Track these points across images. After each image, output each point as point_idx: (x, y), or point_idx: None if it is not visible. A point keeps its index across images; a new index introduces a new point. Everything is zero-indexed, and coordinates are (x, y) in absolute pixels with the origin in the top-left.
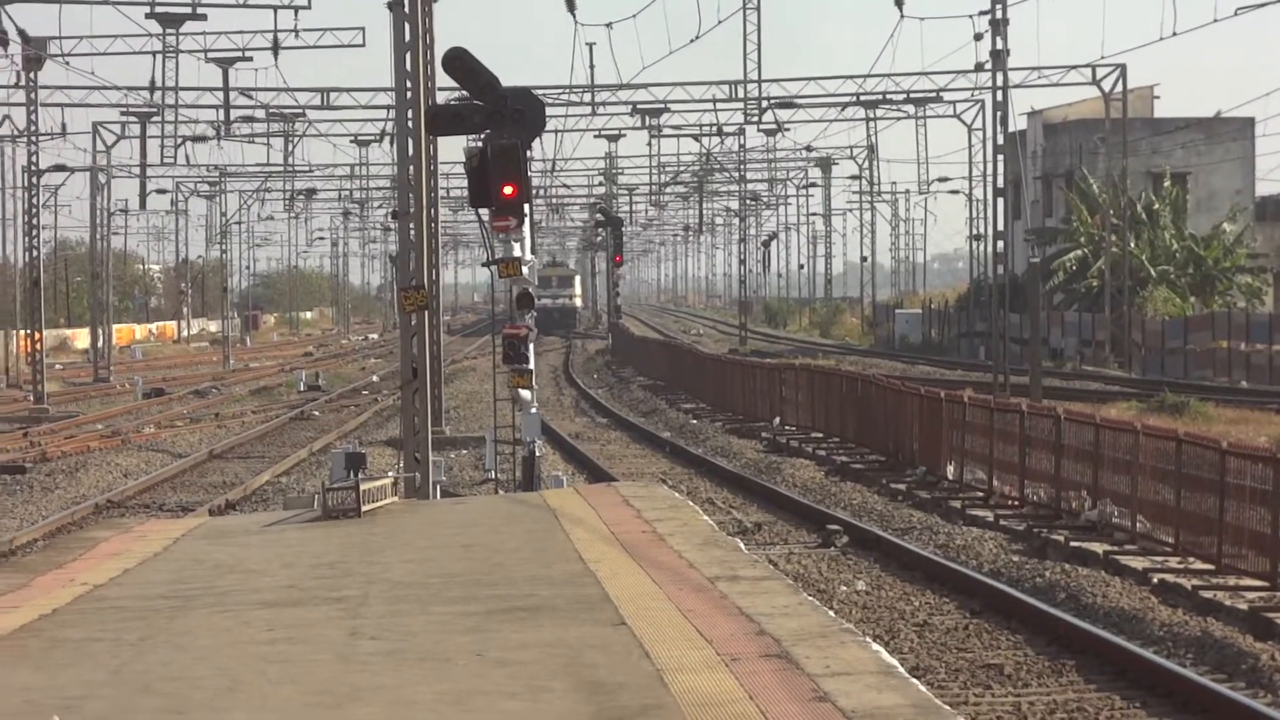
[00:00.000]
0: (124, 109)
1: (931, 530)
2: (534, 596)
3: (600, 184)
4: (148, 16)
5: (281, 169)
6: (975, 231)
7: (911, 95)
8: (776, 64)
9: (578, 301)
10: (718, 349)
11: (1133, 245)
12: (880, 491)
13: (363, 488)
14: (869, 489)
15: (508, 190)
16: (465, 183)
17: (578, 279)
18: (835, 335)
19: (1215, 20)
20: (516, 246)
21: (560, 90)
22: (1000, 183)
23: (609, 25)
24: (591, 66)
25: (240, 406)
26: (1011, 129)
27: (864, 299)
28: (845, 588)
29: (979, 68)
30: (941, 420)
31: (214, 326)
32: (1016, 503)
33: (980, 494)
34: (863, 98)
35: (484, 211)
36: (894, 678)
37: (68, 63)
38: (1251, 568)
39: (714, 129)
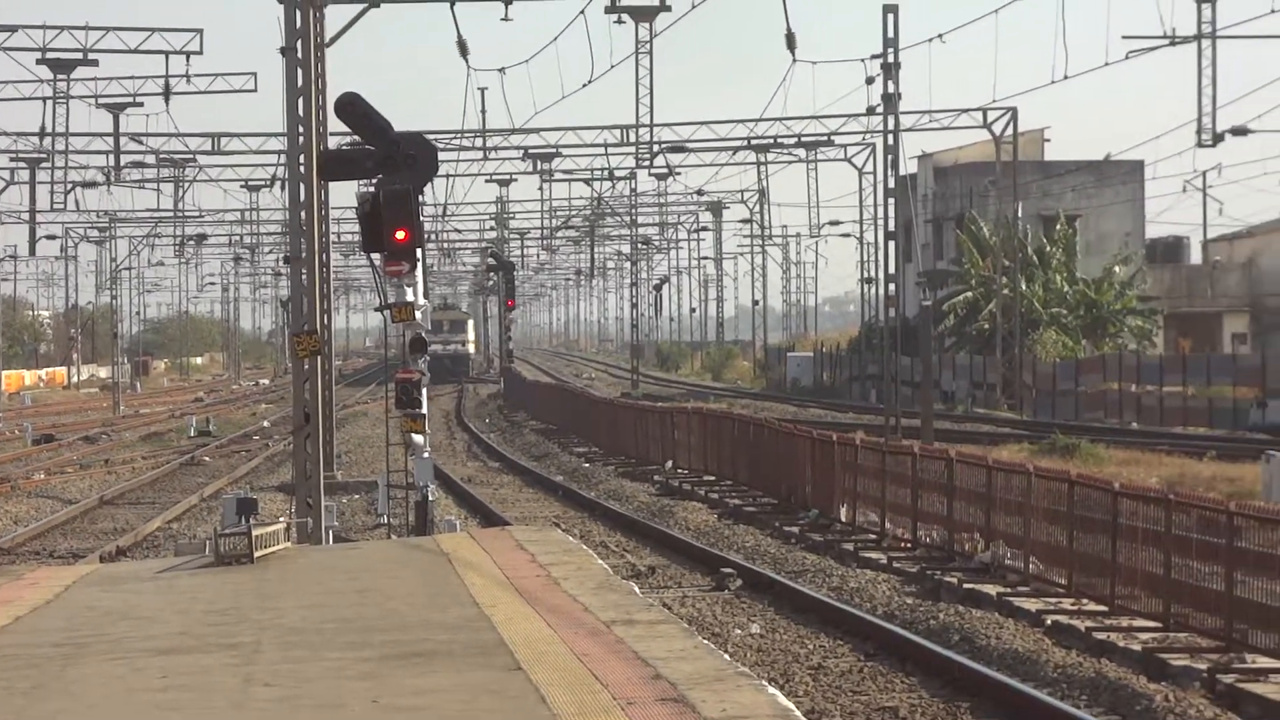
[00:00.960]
0: (13, 155)
1: (825, 573)
2: (429, 642)
3: (492, 228)
4: (39, 62)
5: (172, 214)
6: (866, 275)
7: (803, 139)
8: (668, 108)
9: (470, 348)
10: (610, 393)
11: (1024, 287)
12: (773, 534)
13: (255, 533)
14: (762, 532)
15: (400, 235)
16: (357, 227)
17: (471, 323)
18: (727, 379)
19: (1106, 64)
20: (409, 291)
21: (452, 135)
22: (891, 226)
23: (501, 70)
24: (483, 111)
25: (131, 452)
26: (903, 172)
27: (756, 342)
28: (740, 631)
29: (870, 111)
30: (834, 463)
31: (104, 372)
32: (910, 545)
33: (873, 536)
34: (754, 142)
35: (376, 256)
36: None
37: None
38: (1144, 609)
39: (605, 173)
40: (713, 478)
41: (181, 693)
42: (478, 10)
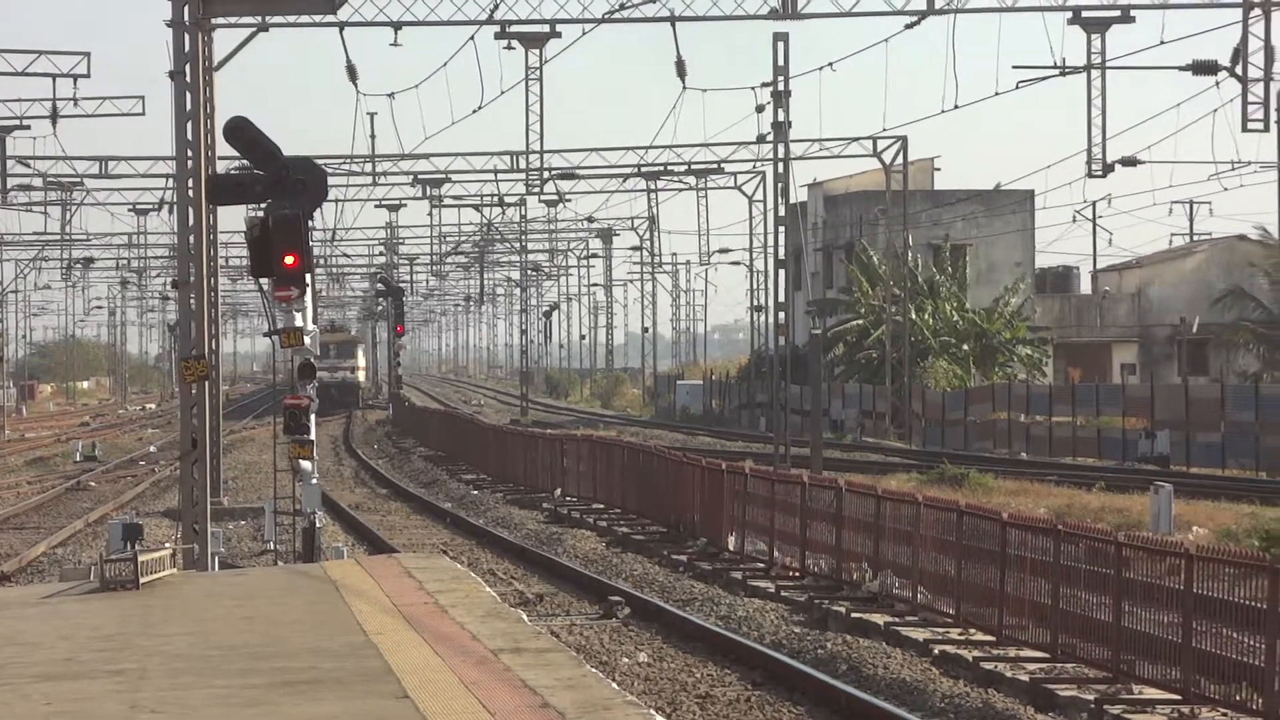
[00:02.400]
0: None
1: (713, 601)
2: (316, 669)
3: (381, 254)
4: None
5: (59, 238)
6: (756, 303)
7: (693, 167)
8: (558, 135)
9: (360, 375)
10: (499, 419)
11: (914, 316)
12: (662, 563)
13: (141, 559)
14: (650, 560)
15: (289, 260)
16: (246, 252)
17: (361, 348)
18: (617, 406)
19: (996, 93)
20: (298, 316)
21: (342, 160)
22: (781, 254)
23: (391, 95)
24: (373, 136)
25: (15, 477)
26: (793, 200)
27: (645, 370)
28: (627, 659)
29: (761, 139)
30: (723, 492)
31: None
32: (798, 574)
33: (762, 565)
34: (644, 169)
35: (265, 281)
36: None
37: None
38: (1032, 639)
39: (495, 199)
40: (601, 505)
41: (67, 719)
42: (367, 35)
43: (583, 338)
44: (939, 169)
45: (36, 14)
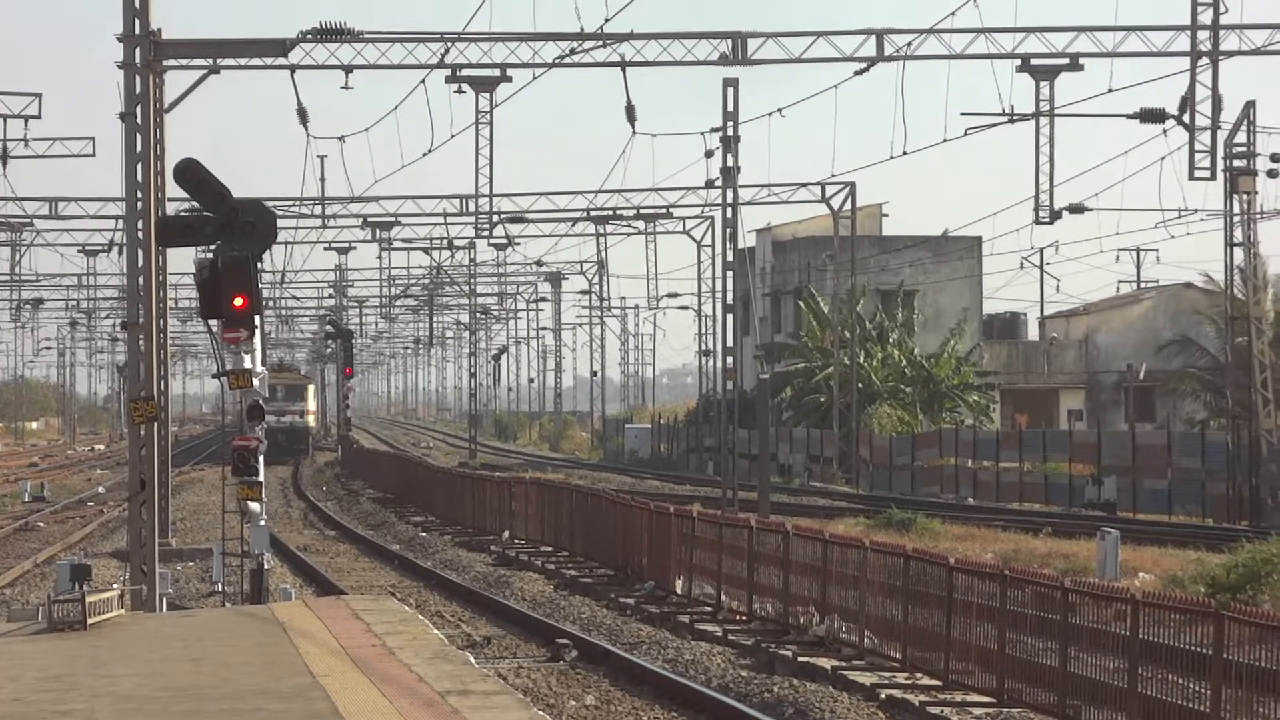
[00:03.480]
0: None
1: (661, 645)
2: (263, 711)
3: (331, 296)
4: None
5: (8, 278)
6: (705, 347)
7: (642, 211)
8: (508, 179)
9: (311, 420)
10: (448, 462)
11: (862, 361)
12: (610, 606)
13: (89, 600)
14: (598, 603)
15: (238, 302)
16: (195, 293)
17: (311, 389)
18: (565, 449)
19: (945, 140)
20: (247, 358)
21: (292, 202)
22: (729, 299)
23: (341, 138)
24: (323, 179)
25: None
26: (741, 245)
27: (594, 413)
28: (575, 702)
29: (709, 184)
30: (670, 535)
31: None
32: (745, 618)
33: (709, 609)
34: (593, 213)
35: (215, 323)
36: None
37: None
38: (979, 684)
39: (445, 242)
40: (550, 548)
41: None
42: (318, 78)
43: (531, 381)
44: (887, 215)
45: None
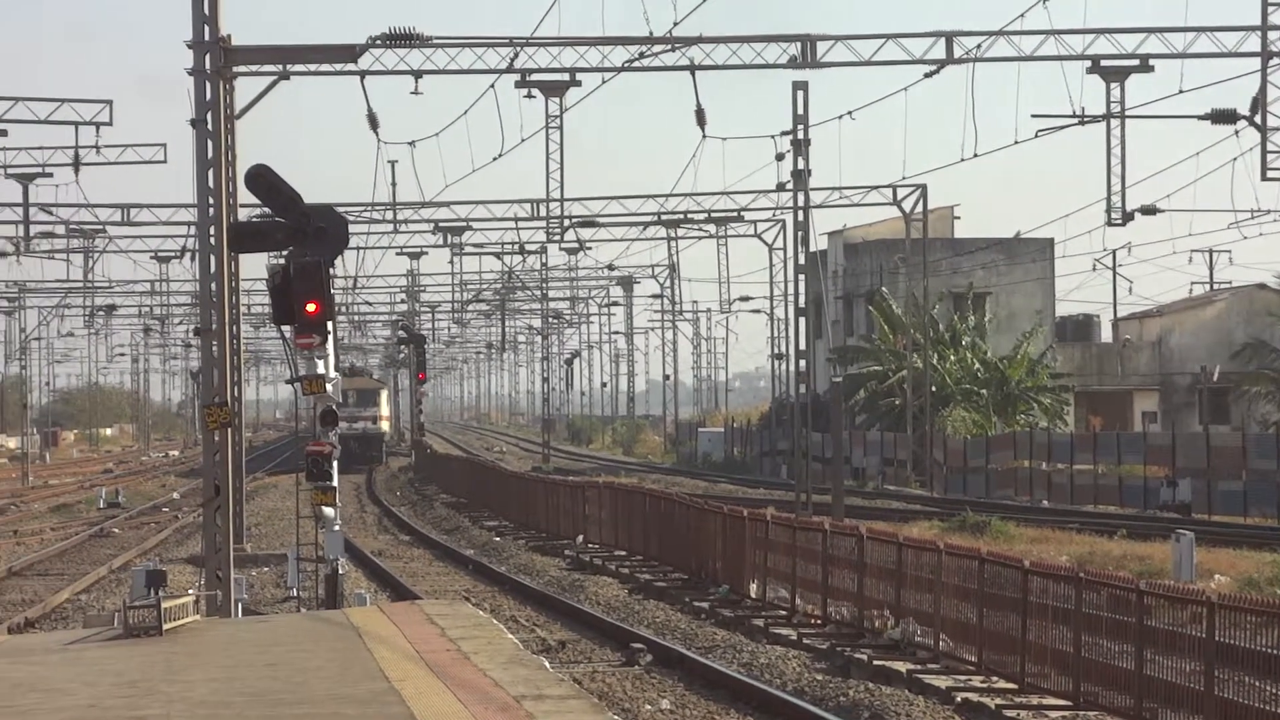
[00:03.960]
0: None
1: (735, 649)
2: (339, 716)
3: (403, 301)
4: None
5: (82, 285)
6: (777, 350)
7: (713, 215)
8: (579, 183)
9: (384, 425)
10: (521, 466)
11: (935, 364)
12: (684, 610)
13: (164, 605)
14: (672, 607)
15: (311, 308)
16: (268, 299)
17: (384, 394)
18: (639, 453)
19: (1016, 142)
20: (320, 364)
21: (363, 207)
22: (801, 302)
23: (412, 144)
24: (393, 184)
25: (39, 524)
26: (813, 248)
27: (667, 417)
28: (650, 706)
29: (781, 188)
30: (744, 539)
31: (13, 443)
32: (820, 621)
33: (784, 612)
34: (664, 217)
35: (287, 329)
36: None
37: None
38: (1054, 687)
39: (516, 247)
40: (624, 553)
41: None
42: (388, 83)
43: (604, 385)
44: (959, 217)
45: (59, 62)
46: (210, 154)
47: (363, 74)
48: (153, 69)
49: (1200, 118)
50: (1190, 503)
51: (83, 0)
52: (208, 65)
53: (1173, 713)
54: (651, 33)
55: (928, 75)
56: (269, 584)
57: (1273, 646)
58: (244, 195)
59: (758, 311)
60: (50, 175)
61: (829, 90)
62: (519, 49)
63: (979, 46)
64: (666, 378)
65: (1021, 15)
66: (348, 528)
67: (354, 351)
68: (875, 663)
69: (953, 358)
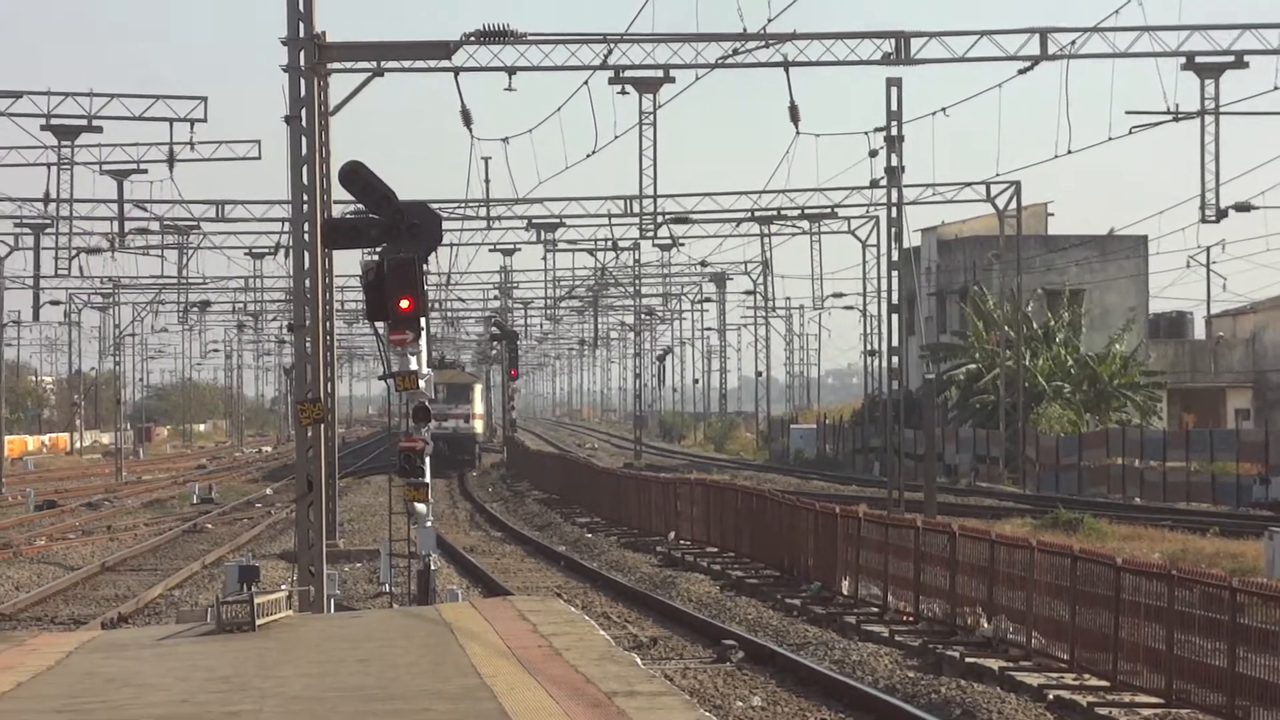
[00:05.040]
0: (18, 220)
1: (827, 646)
2: (430, 711)
3: (496, 297)
4: (43, 129)
5: (176, 281)
6: (870, 347)
7: (806, 211)
8: (672, 179)
9: (477, 425)
10: (613, 463)
11: (1028, 361)
12: (775, 607)
13: (257, 601)
14: (764, 604)
15: (404, 304)
16: (361, 295)
17: (478, 389)
18: (730, 450)
19: (1110, 139)
20: (413, 360)
21: (456, 204)
22: (895, 299)
23: (505, 140)
24: (487, 181)
25: (133, 519)
26: (906, 245)
27: (759, 414)
28: (741, 703)
29: (874, 184)
30: (836, 536)
31: (107, 439)
32: (911, 618)
33: (875, 610)
34: (757, 214)
35: (380, 325)
36: None
37: None
38: (1146, 684)
39: (609, 244)
40: (715, 549)
41: None
42: (482, 80)
43: (696, 381)
44: (1052, 214)
45: (154, 59)
46: (304, 150)
47: (456, 70)
48: (248, 66)
49: None
50: None
51: None
52: (302, 62)
53: (1265, 710)
54: (745, 29)
55: (1021, 72)
56: (361, 580)
57: None
58: (338, 192)
59: (851, 308)
60: (145, 172)
61: (923, 86)
62: (613, 45)
63: (1073, 43)
64: (759, 374)
65: (1116, 12)
66: (440, 524)
67: (447, 347)
68: (967, 660)
69: (1046, 354)
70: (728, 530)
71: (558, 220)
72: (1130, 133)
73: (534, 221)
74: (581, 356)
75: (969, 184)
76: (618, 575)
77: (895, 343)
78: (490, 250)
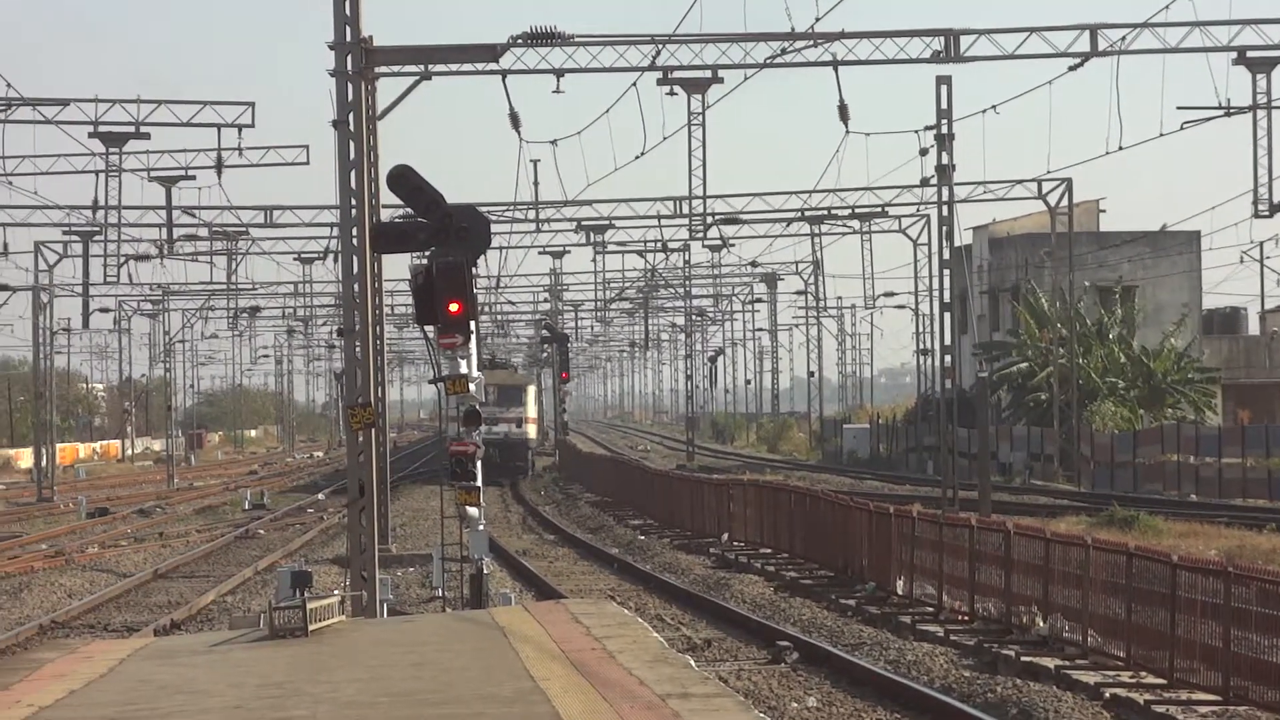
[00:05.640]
0: (66, 228)
1: (882, 646)
2: (484, 716)
3: (546, 300)
4: (91, 136)
5: (225, 287)
6: (922, 346)
7: (857, 210)
8: (721, 180)
9: (530, 430)
10: (665, 465)
11: (1081, 359)
12: (830, 607)
13: (309, 606)
14: (818, 605)
15: (454, 307)
16: (411, 299)
17: (531, 391)
18: (783, 450)
19: (1161, 134)
20: (464, 363)
21: (505, 207)
22: (947, 297)
23: (554, 142)
24: (536, 183)
25: (185, 525)
26: (957, 243)
27: (811, 414)
28: (796, 704)
29: (924, 182)
30: (890, 535)
31: (158, 445)
32: (967, 618)
33: (930, 609)
34: (808, 213)
35: (430, 329)
36: None
37: (10, 182)
38: (1204, 682)
39: (659, 245)
40: (769, 550)
41: None
42: (530, 82)
43: (748, 382)
44: (1104, 210)
45: (201, 65)
46: (352, 155)
47: (504, 73)
48: (295, 71)
49: None
50: None
51: (225, 3)
52: (350, 66)
53: None
54: (794, 28)
55: (1072, 68)
56: (414, 584)
57: None
58: (386, 196)
59: (902, 307)
60: (193, 178)
61: (972, 84)
62: (661, 46)
63: (1123, 39)
64: (811, 374)
65: (1166, 7)
66: (492, 527)
67: (497, 350)
68: (1023, 659)
69: (1099, 352)
70: (781, 531)
71: (607, 222)
72: (1182, 128)
73: (583, 224)
74: (632, 358)
75: (1020, 181)
76: (671, 577)
77: (948, 341)
78: (540, 253)
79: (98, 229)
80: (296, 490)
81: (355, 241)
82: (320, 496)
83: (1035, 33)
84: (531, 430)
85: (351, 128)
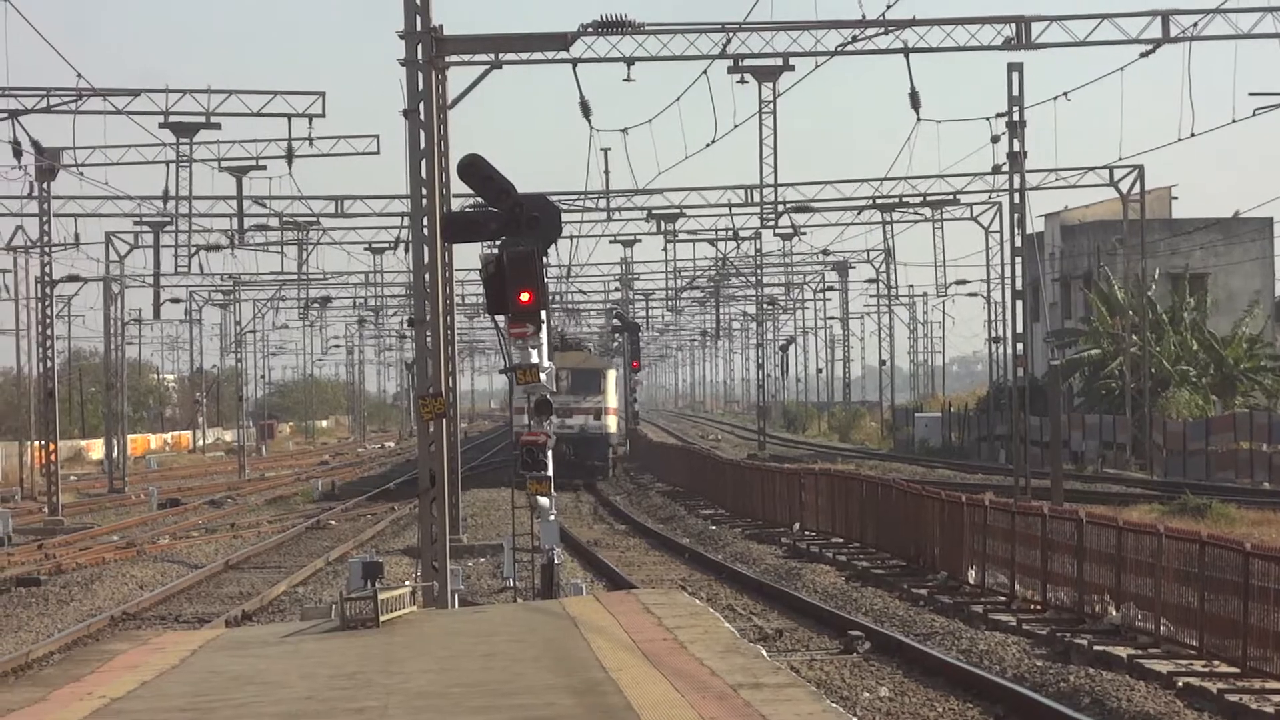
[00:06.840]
0: (137, 219)
1: (954, 635)
2: (556, 706)
3: (616, 289)
4: (161, 126)
5: (296, 277)
6: (994, 334)
7: (928, 198)
8: (792, 168)
9: (611, 421)
10: (736, 454)
11: (1154, 346)
12: (901, 597)
13: (381, 597)
14: (890, 594)
15: (524, 297)
16: (481, 289)
17: (611, 376)
18: (854, 439)
19: (1234, 120)
20: (534, 353)
21: (576, 196)
22: (1019, 285)
23: (624, 131)
24: (606, 172)
25: (256, 516)
26: (1029, 231)
27: (883, 403)
28: (868, 694)
29: (996, 170)
30: (962, 524)
31: (229, 436)
32: (1039, 607)
33: (1002, 598)
34: (879, 201)
35: (501, 318)
36: None
37: (81, 173)
38: (1277, 671)
39: (730, 233)
40: (840, 540)
41: None
42: (600, 71)
43: (819, 371)
44: (1176, 197)
45: (272, 55)
46: (423, 144)
47: (575, 62)
48: (365, 61)
49: None
50: None
51: None
52: (420, 55)
53: None
54: (864, 16)
55: (1143, 55)
56: (485, 574)
57: None
58: (457, 185)
59: (974, 295)
60: (264, 168)
61: (1043, 71)
62: (731, 34)
63: (1195, 25)
64: (883, 363)
65: None
66: (563, 517)
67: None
68: (1095, 648)
69: (1172, 339)
70: (853, 520)
71: (678, 210)
72: (1254, 114)
73: (654, 212)
74: (703, 347)
75: (1092, 168)
76: (742, 567)
77: (1020, 329)
78: (610, 242)
79: (168, 219)
80: (367, 481)
81: (426, 231)
82: (391, 486)
83: (1107, 19)
84: (611, 423)
85: (422, 117)
